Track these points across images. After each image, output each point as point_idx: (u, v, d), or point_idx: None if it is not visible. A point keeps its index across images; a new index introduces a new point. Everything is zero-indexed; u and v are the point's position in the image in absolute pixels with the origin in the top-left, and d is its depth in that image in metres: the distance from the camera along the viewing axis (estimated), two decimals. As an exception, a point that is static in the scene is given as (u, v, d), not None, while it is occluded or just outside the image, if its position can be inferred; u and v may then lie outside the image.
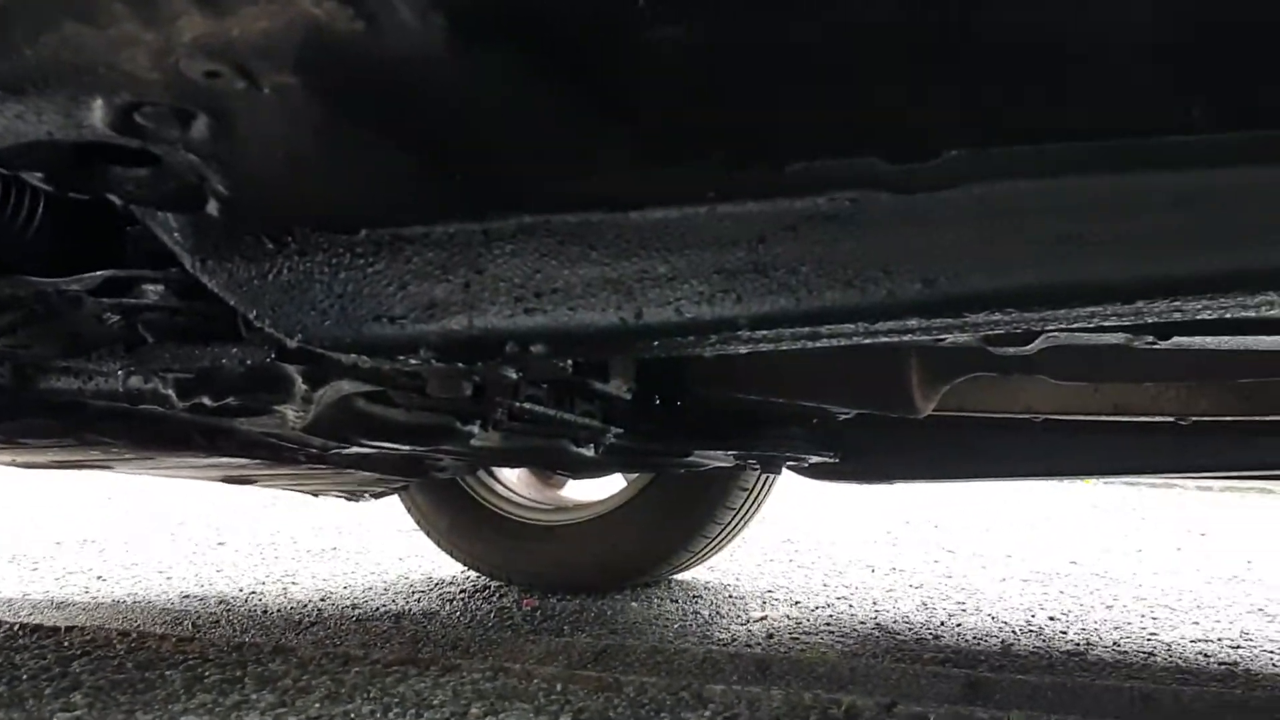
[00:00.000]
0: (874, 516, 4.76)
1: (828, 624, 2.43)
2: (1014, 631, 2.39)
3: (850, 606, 2.64)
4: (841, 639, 2.27)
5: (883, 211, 0.84)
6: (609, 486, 2.92)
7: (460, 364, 1.03)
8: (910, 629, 2.39)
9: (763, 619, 2.47)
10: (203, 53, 0.67)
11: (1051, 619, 2.54)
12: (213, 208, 0.94)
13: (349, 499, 2.52)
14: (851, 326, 0.87)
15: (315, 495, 2.49)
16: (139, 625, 1.89)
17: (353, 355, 1.02)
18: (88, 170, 0.90)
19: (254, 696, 1.32)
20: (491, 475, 2.91)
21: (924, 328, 0.88)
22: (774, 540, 3.84)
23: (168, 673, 1.43)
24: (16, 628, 1.78)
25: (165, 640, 1.71)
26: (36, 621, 1.91)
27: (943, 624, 2.45)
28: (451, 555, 2.93)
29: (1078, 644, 2.27)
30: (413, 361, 1.04)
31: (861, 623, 2.45)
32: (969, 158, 0.79)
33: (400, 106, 0.74)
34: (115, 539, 3.78)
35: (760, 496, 2.74)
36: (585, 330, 0.94)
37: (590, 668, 1.75)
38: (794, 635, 2.30)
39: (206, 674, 1.42)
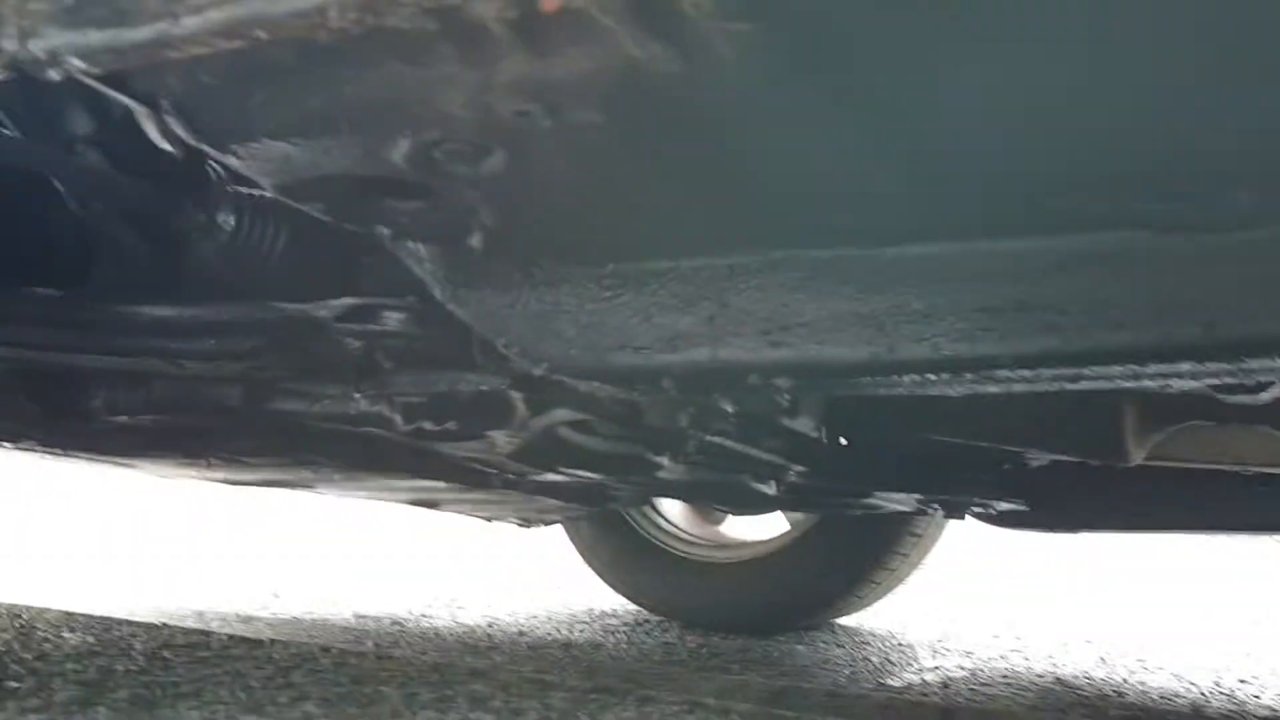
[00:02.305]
0: (1032, 565, 4.60)
1: (1004, 676, 2.35)
2: (1203, 693, 2.27)
3: (1025, 659, 2.55)
4: (1020, 691, 2.20)
5: (1158, 252, 0.82)
6: (769, 525, 2.88)
7: (693, 394, 1.04)
8: (1091, 684, 2.30)
9: (936, 669, 2.41)
10: (518, 93, 0.69)
11: (1242, 681, 2.41)
12: (476, 240, 0.97)
13: (522, 525, 2.56)
14: (1120, 369, 0.85)
15: (489, 520, 2.54)
16: (333, 642, 1.97)
17: (594, 383, 1.05)
18: (366, 202, 0.94)
19: (471, 717, 1.36)
20: (653, 508, 2.90)
21: (1195, 372, 0.85)
22: (938, 587, 3.74)
23: (381, 689, 1.48)
24: (227, 638, 1.86)
25: (364, 658, 1.77)
26: (227, 633, 2.00)
27: (1125, 681, 2.35)
28: (614, 588, 2.93)
29: (1275, 710, 2.15)
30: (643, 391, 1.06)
31: (1039, 676, 2.37)
32: (1258, 199, 0.77)
33: (699, 145, 0.75)
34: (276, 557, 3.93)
35: (929, 543, 2.68)
36: (834, 364, 0.94)
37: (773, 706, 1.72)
38: (971, 686, 2.24)
39: (418, 693, 1.47)
